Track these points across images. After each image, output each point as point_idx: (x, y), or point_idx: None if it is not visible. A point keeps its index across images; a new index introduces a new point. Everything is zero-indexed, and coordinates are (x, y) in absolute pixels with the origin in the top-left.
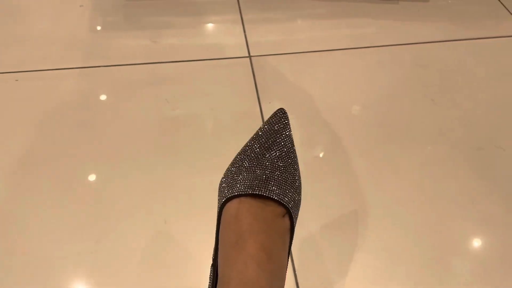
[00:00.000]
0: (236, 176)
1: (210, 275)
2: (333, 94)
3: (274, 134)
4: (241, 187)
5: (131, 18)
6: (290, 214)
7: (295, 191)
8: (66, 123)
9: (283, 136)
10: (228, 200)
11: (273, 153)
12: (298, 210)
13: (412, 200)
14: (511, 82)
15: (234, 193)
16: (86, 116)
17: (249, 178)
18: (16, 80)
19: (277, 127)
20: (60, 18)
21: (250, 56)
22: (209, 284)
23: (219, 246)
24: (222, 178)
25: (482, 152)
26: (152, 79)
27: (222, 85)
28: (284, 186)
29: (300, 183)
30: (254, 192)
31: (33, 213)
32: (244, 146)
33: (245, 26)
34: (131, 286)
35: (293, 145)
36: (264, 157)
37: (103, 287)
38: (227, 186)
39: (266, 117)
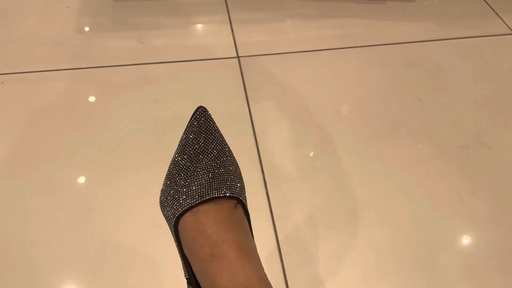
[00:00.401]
0: (177, 190)
1: None
2: (321, 94)
3: (205, 133)
4: (189, 199)
5: (118, 19)
6: (240, 201)
7: (236, 178)
8: (53, 125)
9: (212, 133)
10: (180, 216)
11: (209, 154)
12: (244, 193)
13: (400, 199)
14: (497, 80)
15: (185, 207)
16: (74, 117)
17: (193, 187)
18: (2, 83)
19: (203, 126)
20: (46, 19)
21: (238, 57)
22: None
23: (194, 264)
24: (161, 196)
25: (469, 150)
26: (140, 80)
27: (211, 86)
28: (226, 180)
29: (237, 166)
30: (204, 198)
31: (21, 216)
32: (175, 156)
33: (233, 26)
34: (119, 287)
35: (222, 137)
36: (201, 159)
37: None
38: (173, 201)
39: (254, 118)
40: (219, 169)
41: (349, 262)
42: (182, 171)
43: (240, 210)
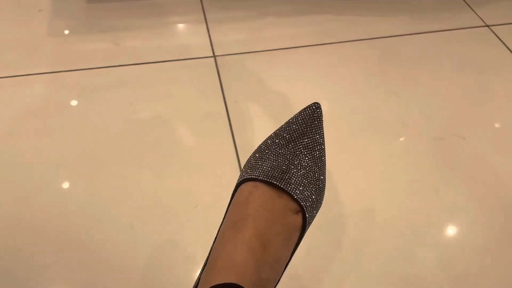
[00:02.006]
0: (259, 161)
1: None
2: (299, 91)
3: (305, 127)
4: (261, 172)
5: (92, 21)
6: (304, 212)
7: (316, 192)
8: (29, 130)
9: (313, 132)
10: (245, 181)
11: (300, 147)
12: (315, 211)
13: (377, 193)
14: (470, 72)
15: (252, 175)
16: (49, 122)
17: (271, 166)
18: None
19: (309, 121)
20: (18, 23)
21: (214, 56)
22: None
23: (223, 222)
24: (248, 160)
25: (443, 142)
26: (115, 82)
27: (187, 86)
28: (304, 183)
29: (323, 185)
30: (271, 181)
31: (1, 221)
32: (274, 133)
33: (209, 25)
34: None
35: (323, 143)
36: (291, 149)
37: None
38: (249, 167)
39: (232, 117)
40: (307, 171)
41: (330, 260)
42: (277, 147)
43: (297, 220)
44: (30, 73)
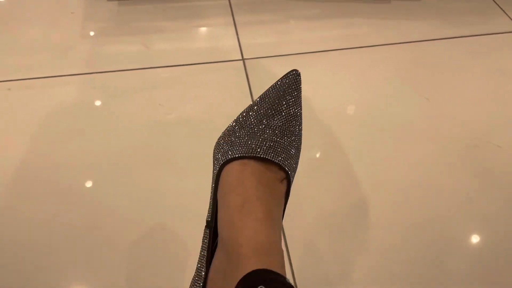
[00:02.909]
0: (238, 138)
1: (205, 236)
2: (327, 95)
3: (282, 97)
4: (245, 149)
5: (123, 23)
6: (289, 179)
7: (294, 158)
8: (59, 130)
9: (289, 100)
10: (229, 161)
11: (278, 117)
12: (294, 176)
13: (409, 199)
14: (504, 78)
15: (236, 154)
16: (80, 123)
17: (253, 141)
18: (9, 89)
19: (286, 89)
20: (51, 25)
21: (243, 59)
22: (203, 245)
23: (221, 209)
24: (220, 138)
25: (478, 149)
26: (145, 84)
27: (216, 88)
28: (286, 152)
29: (299, 151)
30: (259, 156)
31: (27, 222)
32: (250, 105)
33: (238, 28)
34: None
35: (300, 109)
36: (271, 120)
37: None
38: (229, 146)
39: None
40: (284, 139)
41: (357, 264)
42: (250, 123)
43: (283, 187)
44: (62, 74)
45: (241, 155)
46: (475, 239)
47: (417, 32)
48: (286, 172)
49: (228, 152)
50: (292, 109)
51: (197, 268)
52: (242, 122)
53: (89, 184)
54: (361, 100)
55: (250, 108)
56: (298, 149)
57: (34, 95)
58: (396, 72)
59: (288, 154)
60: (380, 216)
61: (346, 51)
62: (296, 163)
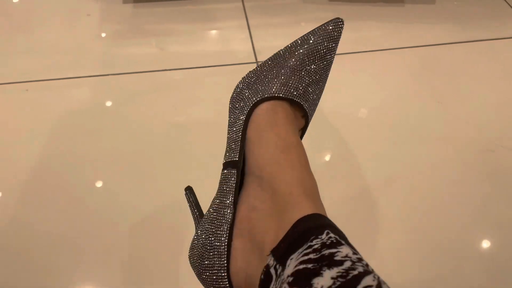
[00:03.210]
0: (275, 75)
1: (227, 177)
2: (340, 98)
3: (321, 43)
4: (281, 88)
5: (138, 26)
6: (307, 117)
7: (315, 104)
8: (74, 131)
9: (330, 46)
10: (265, 100)
11: (318, 62)
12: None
13: (422, 204)
14: None
15: (274, 94)
16: (95, 123)
17: (289, 82)
18: (26, 90)
19: (328, 35)
20: (68, 27)
21: (257, 62)
22: (226, 187)
23: (259, 147)
24: (252, 74)
25: (493, 154)
26: (159, 86)
27: (230, 91)
28: (313, 99)
29: (320, 96)
30: (294, 99)
31: (41, 219)
32: (290, 44)
33: (252, 31)
34: None
35: (334, 57)
36: (306, 65)
37: None
38: (262, 83)
39: None
40: (314, 86)
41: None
42: (286, 62)
43: (302, 122)
44: (78, 75)
45: (277, 94)
46: (489, 244)
47: (431, 35)
48: (305, 112)
49: (261, 90)
50: (329, 56)
51: (215, 208)
52: (279, 60)
53: (101, 184)
54: (373, 104)
55: (290, 47)
56: (319, 96)
57: (51, 96)
58: (409, 76)
59: (314, 102)
60: (393, 220)
61: (359, 54)
62: (315, 110)
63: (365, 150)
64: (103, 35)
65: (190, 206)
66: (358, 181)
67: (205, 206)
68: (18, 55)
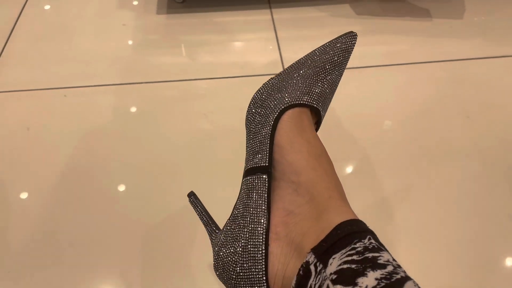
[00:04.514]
0: (301, 82)
1: (255, 183)
2: (365, 111)
3: (338, 54)
4: (306, 96)
5: (170, 36)
6: (319, 123)
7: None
8: (108, 137)
9: (343, 59)
10: (292, 106)
11: (335, 72)
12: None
13: (447, 218)
14: None
15: (301, 101)
16: (125, 129)
17: (316, 90)
18: (65, 96)
19: (344, 46)
20: (104, 36)
21: None
22: (256, 194)
23: (291, 153)
24: (277, 79)
25: None
26: (189, 94)
27: None
28: (327, 105)
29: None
30: (318, 107)
31: (70, 221)
32: (309, 54)
33: (280, 43)
34: None
35: (344, 71)
36: (327, 74)
37: None
38: (286, 90)
39: None
40: (331, 94)
41: None
42: (314, 70)
43: (315, 127)
44: (112, 83)
45: (305, 102)
46: None
47: (459, 50)
48: (318, 126)
49: (288, 96)
50: (343, 67)
51: (245, 215)
52: (300, 68)
53: (129, 190)
54: (399, 116)
55: (311, 56)
56: (328, 105)
57: (86, 102)
58: (436, 90)
59: (326, 110)
60: (419, 235)
61: (386, 68)
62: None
63: (389, 163)
64: (137, 44)
65: (198, 213)
66: (380, 194)
67: (228, 212)
68: (57, 62)
